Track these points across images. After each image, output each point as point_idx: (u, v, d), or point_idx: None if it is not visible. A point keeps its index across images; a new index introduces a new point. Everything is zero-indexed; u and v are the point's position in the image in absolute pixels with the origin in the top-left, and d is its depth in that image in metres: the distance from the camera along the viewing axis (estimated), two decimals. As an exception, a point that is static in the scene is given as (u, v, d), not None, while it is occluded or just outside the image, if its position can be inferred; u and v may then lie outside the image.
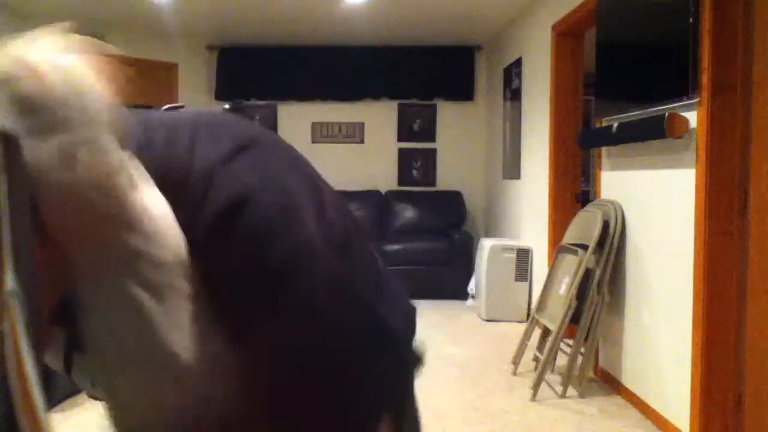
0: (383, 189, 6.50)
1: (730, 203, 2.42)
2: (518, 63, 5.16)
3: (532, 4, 4.74)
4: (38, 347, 0.52)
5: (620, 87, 3.18)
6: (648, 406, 2.91)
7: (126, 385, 0.61)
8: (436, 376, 3.49)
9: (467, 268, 5.65)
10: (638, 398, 3.01)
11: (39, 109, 0.56)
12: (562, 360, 3.47)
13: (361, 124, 6.55)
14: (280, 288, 0.61)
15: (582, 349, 3.24)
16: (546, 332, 3.49)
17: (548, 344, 3.30)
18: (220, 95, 6.30)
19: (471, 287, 5.44)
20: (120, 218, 0.56)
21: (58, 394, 3.04)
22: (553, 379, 3.38)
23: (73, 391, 3.16)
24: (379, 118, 6.58)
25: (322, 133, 6.53)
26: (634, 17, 2.99)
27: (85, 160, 0.55)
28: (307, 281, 0.62)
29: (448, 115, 6.62)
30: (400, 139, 6.64)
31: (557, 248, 3.61)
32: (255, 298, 0.61)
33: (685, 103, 2.55)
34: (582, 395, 3.17)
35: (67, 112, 0.58)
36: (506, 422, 2.84)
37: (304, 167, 0.71)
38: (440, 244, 5.75)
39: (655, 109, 2.77)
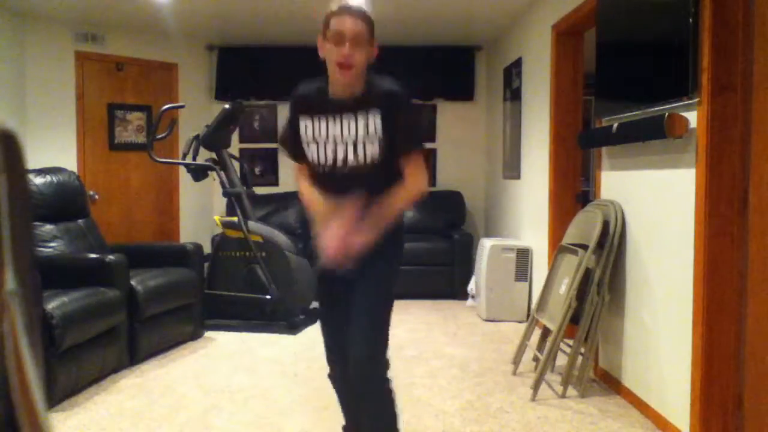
0: (383, 189, 6.49)
1: (730, 203, 2.42)
2: (518, 63, 5.16)
3: (532, 4, 4.74)
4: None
5: (620, 87, 3.18)
6: (648, 406, 2.91)
7: None
8: (436, 376, 3.49)
9: (467, 268, 5.65)
10: (638, 398, 3.01)
11: None
12: (562, 360, 3.47)
13: (361, 124, 6.55)
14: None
15: (582, 349, 3.24)
16: (546, 332, 3.49)
17: (548, 344, 3.30)
18: (220, 95, 6.30)
19: (471, 287, 5.44)
20: None
21: (58, 394, 3.04)
22: (553, 379, 3.38)
23: (73, 391, 3.16)
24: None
25: (322, 133, 6.51)
26: (634, 17, 2.99)
27: None
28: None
29: (448, 115, 6.62)
30: (400, 139, 6.63)
31: (557, 248, 3.61)
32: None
33: (685, 103, 2.55)
34: (582, 395, 3.18)
35: None
36: (506, 422, 2.84)
37: None
38: (440, 244, 5.75)
39: (655, 109, 2.77)
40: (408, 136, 1.98)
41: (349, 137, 1.94)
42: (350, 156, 1.95)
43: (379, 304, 2.08)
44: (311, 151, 2.01)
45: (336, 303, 2.16)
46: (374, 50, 1.97)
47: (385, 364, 2.05)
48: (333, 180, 2.00)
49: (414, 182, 1.98)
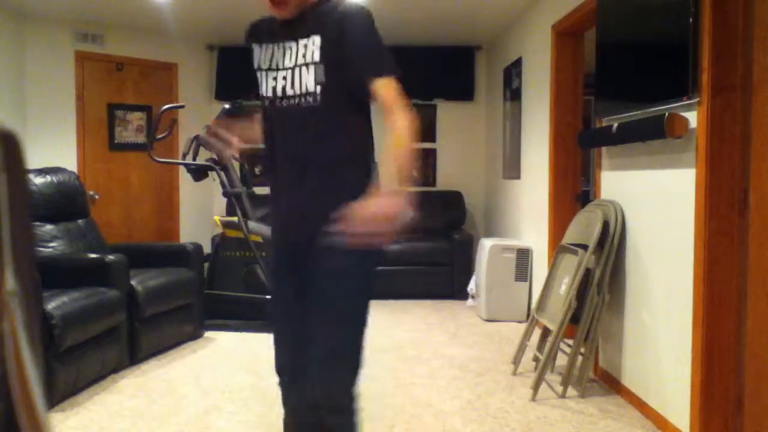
0: (383, 189, 6.48)
1: (730, 203, 2.42)
2: (518, 63, 5.16)
3: (532, 4, 4.74)
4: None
5: (620, 87, 3.18)
6: (648, 406, 2.91)
7: None
8: (436, 376, 3.49)
9: (467, 268, 5.65)
10: (638, 398, 3.01)
11: None
12: (562, 360, 3.47)
13: (361, 124, 6.55)
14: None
15: (582, 349, 3.24)
16: (546, 332, 3.49)
17: (548, 344, 3.30)
18: (220, 95, 6.30)
19: (471, 287, 5.44)
20: None
21: (58, 394, 3.04)
22: (553, 379, 3.38)
23: (73, 391, 3.16)
24: (379, 118, 6.58)
25: (322, 133, 6.51)
26: (634, 17, 2.99)
27: None
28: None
29: (448, 115, 6.62)
30: (400, 139, 6.62)
31: (557, 248, 3.61)
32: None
33: (685, 103, 2.55)
34: (582, 395, 3.18)
35: None
36: (506, 422, 2.84)
37: None
38: (440, 244, 5.75)
39: (655, 109, 2.77)
40: (368, 55, 1.60)
41: (289, 64, 1.68)
42: (287, 86, 1.66)
43: (343, 317, 1.61)
44: (260, 84, 1.78)
45: (285, 290, 1.73)
46: None
47: (350, 407, 1.61)
48: (273, 119, 1.71)
49: (399, 119, 1.57)
